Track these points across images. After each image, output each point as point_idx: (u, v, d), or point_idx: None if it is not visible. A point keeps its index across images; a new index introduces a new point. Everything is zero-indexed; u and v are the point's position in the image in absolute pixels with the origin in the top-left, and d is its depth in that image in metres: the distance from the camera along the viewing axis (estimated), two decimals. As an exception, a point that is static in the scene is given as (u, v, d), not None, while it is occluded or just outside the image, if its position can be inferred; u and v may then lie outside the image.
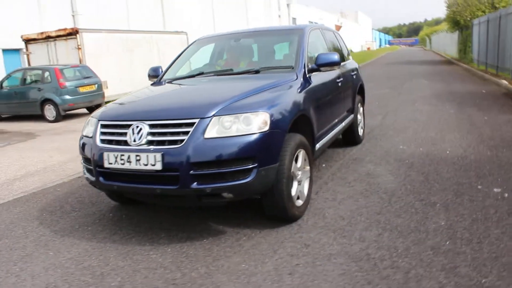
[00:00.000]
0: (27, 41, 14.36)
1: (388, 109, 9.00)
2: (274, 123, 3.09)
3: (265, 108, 3.13)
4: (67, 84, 10.78)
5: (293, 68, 4.01)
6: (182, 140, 2.95)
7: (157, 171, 2.97)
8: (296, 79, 3.83)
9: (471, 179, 4.20)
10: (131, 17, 24.44)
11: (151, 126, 3.09)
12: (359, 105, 5.98)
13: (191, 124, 2.99)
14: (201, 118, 2.99)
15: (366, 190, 4.08)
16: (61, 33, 13.68)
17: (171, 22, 28.41)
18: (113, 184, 3.24)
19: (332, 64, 4.11)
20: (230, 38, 5.03)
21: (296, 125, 3.60)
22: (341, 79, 5.00)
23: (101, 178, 3.29)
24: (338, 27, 74.35)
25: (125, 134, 3.17)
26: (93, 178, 3.37)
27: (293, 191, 3.36)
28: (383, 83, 14.83)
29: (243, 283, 2.61)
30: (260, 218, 3.52)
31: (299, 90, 3.71)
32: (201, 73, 4.43)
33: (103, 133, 3.34)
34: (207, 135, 2.94)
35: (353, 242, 3.02)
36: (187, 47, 5.07)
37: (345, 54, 5.97)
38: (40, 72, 11.37)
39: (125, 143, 3.14)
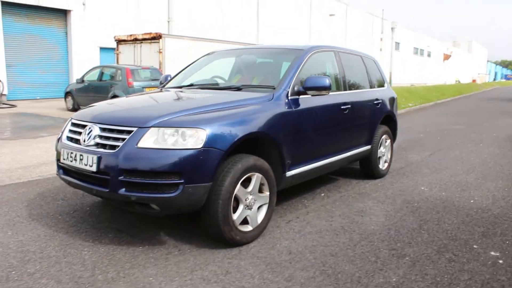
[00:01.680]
0: (119, 41, 15.62)
1: (444, 146, 8.20)
2: (210, 141, 2.96)
3: (204, 125, 3.01)
4: (135, 84, 11.47)
5: (274, 88, 3.81)
6: (118, 146, 2.99)
7: (93, 172, 3.05)
8: (271, 100, 3.63)
9: (474, 235, 3.62)
10: (225, 27, 25.45)
11: (101, 129, 3.18)
12: (383, 137, 5.52)
13: (129, 132, 3.02)
14: (139, 128, 3.00)
15: (342, 228, 3.71)
16: (147, 36, 14.66)
17: (265, 36, 29.07)
18: (66, 179, 3.38)
19: (320, 89, 3.82)
20: (236, 54, 5.00)
21: (259, 147, 3.54)
22: (349, 106, 4.62)
23: (60, 171, 3.49)
24: (447, 56, 70.33)
25: (80, 133, 3.31)
26: (57, 171, 3.53)
27: (236, 215, 3.18)
28: (463, 118, 13.61)
29: (133, 298, 2.50)
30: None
31: (268, 111, 3.50)
32: (190, 85, 4.41)
33: (70, 131, 3.53)
34: (141, 144, 2.93)
35: (276, 280, 2.75)
36: (197, 60, 5.09)
37: (373, 81, 5.58)
38: (114, 70, 12.28)
39: (78, 142, 3.29)
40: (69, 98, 13.53)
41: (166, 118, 3.05)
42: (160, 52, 14.29)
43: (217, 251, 3.17)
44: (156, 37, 14.39)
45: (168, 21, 21.92)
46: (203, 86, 4.30)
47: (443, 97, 24.33)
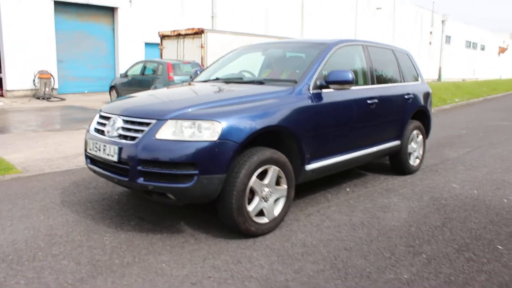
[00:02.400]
0: (162, 37, 16.02)
1: (485, 143, 7.85)
2: (226, 134, 3.02)
3: (220, 117, 3.08)
4: (175, 78, 11.74)
5: (296, 82, 3.83)
6: (137, 137, 3.12)
7: (114, 162, 3.20)
8: (291, 94, 3.66)
9: (500, 236, 3.48)
10: (269, 22, 25.46)
11: (124, 121, 3.32)
12: (415, 132, 5.39)
13: (148, 124, 3.14)
14: (157, 120, 3.12)
15: (361, 223, 3.68)
16: (189, 32, 14.94)
17: (310, 30, 28.82)
18: (92, 168, 3.57)
19: (342, 83, 3.82)
20: (263, 49, 5.02)
21: (279, 140, 3.59)
22: (376, 100, 4.55)
23: (88, 161, 3.69)
24: (503, 49, 66.78)
25: (105, 125, 3.49)
26: (86, 160, 3.73)
27: (251, 207, 3.24)
28: (511, 115, 12.92)
29: (144, 280, 2.62)
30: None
31: (287, 105, 3.52)
32: (216, 79, 4.51)
33: (97, 123, 3.70)
34: (158, 136, 3.04)
35: (285, 271, 2.78)
36: (225, 55, 5.20)
37: (406, 75, 5.46)
38: (156, 65, 12.63)
39: (103, 133, 3.46)
40: (114, 92, 14.07)
41: (183, 111, 3.15)
42: (202, 47, 14.53)
43: (232, 241, 3.24)
44: (198, 32, 14.64)
45: (212, 17, 22.21)
46: (228, 80, 4.37)
47: (494, 92, 23.17)
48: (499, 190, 4.78)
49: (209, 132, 3.01)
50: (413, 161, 5.44)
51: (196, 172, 2.96)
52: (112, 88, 14.29)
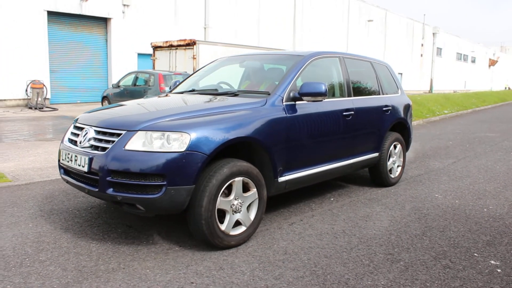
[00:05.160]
0: (155, 48, 16.16)
1: (471, 154, 8.01)
2: (194, 145, 3.05)
3: (189, 129, 3.11)
4: (167, 89, 11.84)
5: (269, 94, 3.86)
6: (108, 148, 3.15)
7: (85, 172, 3.23)
8: (263, 105, 3.68)
9: (477, 244, 3.59)
10: (261, 33, 25.71)
11: (96, 132, 3.36)
12: (394, 144, 5.42)
13: (119, 135, 3.18)
14: (127, 131, 3.15)
15: (343, 232, 3.77)
16: (182, 43, 15.09)
17: (302, 42, 29.10)
18: (66, 178, 3.58)
19: (315, 95, 3.83)
20: (240, 60, 5.10)
21: (251, 152, 3.64)
22: (352, 112, 4.57)
23: (61, 171, 3.70)
24: (493, 62, 67.74)
25: (78, 135, 3.54)
26: (60, 171, 3.75)
27: (224, 225, 3.27)
28: (498, 126, 13.14)
29: (128, 285, 2.69)
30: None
31: (258, 117, 3.54)
32: (192, 90, 4.55)
33: (71, 133, 3.73)
34: (128, 146, 3.07)
35: (265, 278, 2.86)
36: (203, 67, 5.27)
37: (385, 87, 5.51)
38: (148, 75, 12.76)
39: (76, 143, 3.51)
40: (106, 102, 14.14)
41: (153, 122, 3.18)
42: (194, 58, 14.67)
43: (215, 248, 3.31)
44: (191, 44, 14.80)
45: (205, 28, 22.42)
46: (203, 92, 4.39)
47: (483, 104, 23.53)
48: (480, 199, 4.90)
49: (177, 143, 3.03)
50: (393, 173, 5.49)
51: (164, 183, 2.97)
52: (104, 98, 14.36)
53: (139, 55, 19.91)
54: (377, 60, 5.71)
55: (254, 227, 3.51)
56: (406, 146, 5.86)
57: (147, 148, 3.04)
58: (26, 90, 16.51)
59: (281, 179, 3.79)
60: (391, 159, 5.40)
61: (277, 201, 4.58)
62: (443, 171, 6.45)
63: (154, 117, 3.29)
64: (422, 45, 45.33)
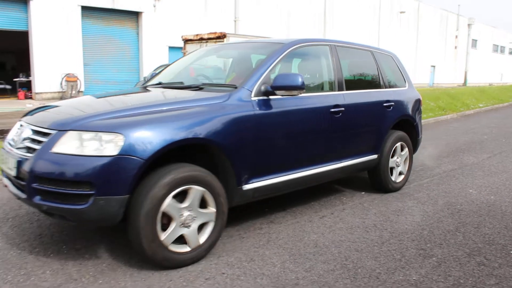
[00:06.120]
0: (186, 41, 16.29)
1: (507, 148, 7.74)
2: (129, 148, 2.60)
3: (125, 129, 2.65)
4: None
5: (236, 87, 3.35)
6: (36, 150, 2.75)
7: (14, 176, 2.86)
8: (226, 101, 3.17)
9: (514, 241, 3.49)
10: (291, 26, 25.56)
11: (33, 131, 2.94)
12: (397, 144, 4.78)
13: (48, 135, 2.76)
14: (58, 130, 2.72)
15: (374, 226, 3.74)
16: (212, 36, 15.16)
17: (332, 34, 28.78)
18: (5, 183, 3.11)
19: (289, 88, 3.32)
20: (217, 50, 4.66)
21: (209, 156, 3.18)
22: (342, 109, 3.98)
23: (4, 174, 3.16)
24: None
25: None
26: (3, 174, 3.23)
27: (165, 235, 2.78)
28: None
29: (160, 274, 2.77)
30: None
31: (217, 115, 3.04)
32: (159, 83, 4.05)
33: (15, 133, 3.21)
34: (56, 149, 2.65)
35: (296, 270, 2.88)
36: (179, 58, 4.85)
37: (388, 80, 4.91)
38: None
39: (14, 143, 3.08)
40: (138, 95, 14.37)
41: (86, 121, 2.74)
42: (223, 51, 14.74)
43: (247, 240, 3.36)
44: (221, 37, 14.84)
45: (235, 21, 22.45)
46: (168, 85, 3.89)
47: (521, 97, 22.67)
48: (517, 196, 4.76)
49: (110, 145, 2.60)
50: (396, 177, 4.85)
51: (92, 192, 2.57)
52: (135, 91, 14.61)
53: (170, 48, 20.13)
54: (380, 49, 5.16)
55: (201, 251, 2.97)
56: (413, 146, 5.20)
57: (76, 151, 2.62)
58: (61, 83, 16.99)
59: (247, 186, 3.27)
60: (393, 161, 4.79)
61: (307, 194, 4.58)
62: (477, 166, 6.28)
63: (90, 114, 2.85)
64: (456, 36, 44.02)
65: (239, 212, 3.89)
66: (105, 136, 2.63)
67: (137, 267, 2.87)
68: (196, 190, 2.88)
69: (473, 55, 47.16)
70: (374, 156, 4.52)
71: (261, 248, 3.22)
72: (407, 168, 5.04)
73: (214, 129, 3.00)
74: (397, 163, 4.86)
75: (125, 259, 2.99)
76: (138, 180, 2.69)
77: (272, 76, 3.51)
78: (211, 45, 5.00)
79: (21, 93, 17.11)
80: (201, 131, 2.93)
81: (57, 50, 16.82)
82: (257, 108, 3.29)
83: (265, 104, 3.37)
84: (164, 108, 2.95)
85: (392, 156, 4.76)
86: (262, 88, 3.38)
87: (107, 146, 2.60)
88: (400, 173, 4.93)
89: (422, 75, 38.14)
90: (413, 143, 5.19)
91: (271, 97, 3.41)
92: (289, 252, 3.16)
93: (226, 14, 22.23)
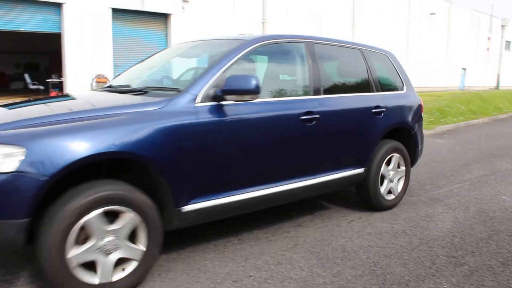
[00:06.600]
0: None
1: (543, 155, 7.50)
2: (29, 163, 2.23)
3: (27, 140, 2.27)
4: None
5: (179, 91, 2.89)
6: None
7: None
8: (163, 107, 2.72)
9: (551, 251, 3.37)
10: (320, 28, 25.44)
11: None
12: (391, 156, 4.22)
13: None
14: None
15: (403, 231, 3.68)
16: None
17: (361, 37, 28.52)
18: None
19: (240, 92, 2.86)
20: (177, 51, 4.15)
21: (144, 172, 2.73)
22: (317, 116, 3.46)
23: None
24: None
25: None
26: None
27: (73, 252, 2.36)
28: None
29: (188, 275, 2.79)
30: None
31: (146, 123, 2.60)
32: (109, 86, 3.68)
33: None
34: None
35: (324, 275, 2.85)
36: (146, 58, 4.33)
37: (380, 82, 4.30)
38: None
39: None
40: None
41: None
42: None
43: (274, 243, 3.35)
44: (246, 38, 14.91)
45: (263, 23, 22.50)
46: (114, 89, 3.47)
47: (558, 101, 21.88)
48: (554, 204, 4.59)
49: (8, 160, 2.22)
50: (388, 195, 4.28)
51: None
52: (163, 92, 14.81)
53: (196, 50, 20.35)
54: (372, 47, 4.53)
55: (132, 282, 2.56)
56: (412, 158, 4.60)
57: None
58: (91, 84, 17.39)
59: (188, 208, 2.81)
60: (386, 176, 4.23)
61: (334, 198, 4.54)
62: (511, 172, 6.09)
63: (5, 121, 2.48)
64: (488, 38, 42.82)
65: (266, 215, 3.90)
66: (3, 149, 2.23)
67: (166, 268, 2.90)
68: (130, 218, 2.50)
69: (507, 57, 45.79)
70: (360, 170, 3.97)
71: (288, 251, 3.21)
72: (401, 185, 4.41)
73: (141, 140, 2.56)
74: (390, 178, 4.27)
75: (154, 258, 3.03)
76: (46, 200, 2.33)
77: None
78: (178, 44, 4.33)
79: (53, 93, 17.59)
80: (123, 143, 2.49)
81: (88, 51, 17.23)
82: (202, 116, 2.82)
83: (214, 111, 2.89)
84: (85, 116, 2.54)
85: (383, 170, 4.17)
86: (211, 92, 2.91)
87: (4, 161, 2.22)
88: (393, 189, 4.32)
89: (452, 78, 37.31)
90: (411, 155, 4.57)
91: (223, 102, 2.93)
92: (316, 256, 3.14)
93: (254, 16, 22.29)
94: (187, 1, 19.76)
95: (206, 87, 2.91)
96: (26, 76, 19.22)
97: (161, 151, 2.62)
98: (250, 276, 2.81)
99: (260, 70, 3.53)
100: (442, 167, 6.33)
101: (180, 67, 3.98)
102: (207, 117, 2.84)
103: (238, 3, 21.70)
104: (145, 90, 3.12)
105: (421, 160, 6.72)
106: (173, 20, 19.66)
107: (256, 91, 2.87)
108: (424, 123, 11.47)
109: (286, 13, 23.66)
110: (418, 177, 5.64)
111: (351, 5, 27.89)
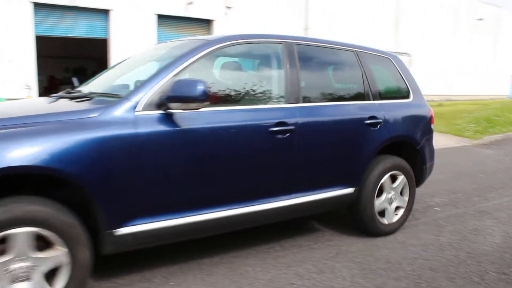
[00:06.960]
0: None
1: None
2: None
3: None
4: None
5: (119, 97, 2.59)
6: None
7: None
8: (96, 116, 2.40)
9: None
10: (364, 36, 25.16)
11: None
12: (390, 174, 3.68)
13: None
14: None
15: (450, 244, 3.56)
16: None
17: (405, 44, 28.02)
18: None
19: (185, 100, 2.50)
20: (158, 50, 3.78)
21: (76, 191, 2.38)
22: (291, 127, 3.04)
23: None
24: None
25: None
26: None
27: None
28: None
29: (230, 280, 2.82)
30: None
31: (71, 134, 2.27)
32: (67, 92, 3.23)
33: None
34: None
35: (366, 285, 2.81)
36: (119, 62, 3.93)
37: (379, 89, 3.79)
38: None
39: None
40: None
41: None
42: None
43: (316, 251, 3.33)
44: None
45: (305, 29, 22.48)
46: (65, 95, 3.01)
47: None
48: None
49: None
50: (387, 217, 3.72)
51: None
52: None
53: (238, 55, 20.57)
54: (372, 49, 4.00)
55: None
56: (418, 177, 4.02)
57: None
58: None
59: (123, 230, 2.46)
60: (382, 197, 3.68)
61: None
62: None
63: None
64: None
65: (309, 222, 3.88)
66: None
67: (208, 272, 2.94)
68: (22, 234, 2.13)
69: (560, 64, 43.57)
70: (349, 190, 3.48)
71: (330, 260, 3.19)
72: (405, 205, 3.87)
73: (65, 154, 2.24)
74: (389, 199, 3.74)
75: (196, 263, 3.08)
76: None
77: None
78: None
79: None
80: (38, 157, 2.16)
81: (133, 56, 17.81)
82: (142, 127, 2.47)
83: (157, 121, 2.53)
84: (10, 124, 2.23)
85: (379, 190, 3.65)
86: (156, 99, 2.56)
87: None
88: (393, 212, 3.78)
89: (500, 86, 35.87)
90: (417, 173, 3.98)
91: (171, 111, 2.58)
92: (359, 266, 3.10)
93: (296, 22, 22.31)
94: (230, 7, 20.04)
95: (151, 93, 2.56)
96: (74, 80, 19.94)
97: (89, 167, 2.31)
98: (292, 283, 2.81)
99: (224, 74, 3.18)
100: (490, 178, 6.09)
101: (145, 72, 3.34)
102: (147, 128, 2.48)
103: (280, 9, 21.81)
104: (90, 96, 2.82)
105: (467, 171, 6.55)
106: (216, 26, 19.96)
107: (202, 99, 2.50)
108: (471, 132, 11.16)
109: (328, 20, 23.55)
110: (464, 188, 5.45)
111: (394, 10, 27.41)
